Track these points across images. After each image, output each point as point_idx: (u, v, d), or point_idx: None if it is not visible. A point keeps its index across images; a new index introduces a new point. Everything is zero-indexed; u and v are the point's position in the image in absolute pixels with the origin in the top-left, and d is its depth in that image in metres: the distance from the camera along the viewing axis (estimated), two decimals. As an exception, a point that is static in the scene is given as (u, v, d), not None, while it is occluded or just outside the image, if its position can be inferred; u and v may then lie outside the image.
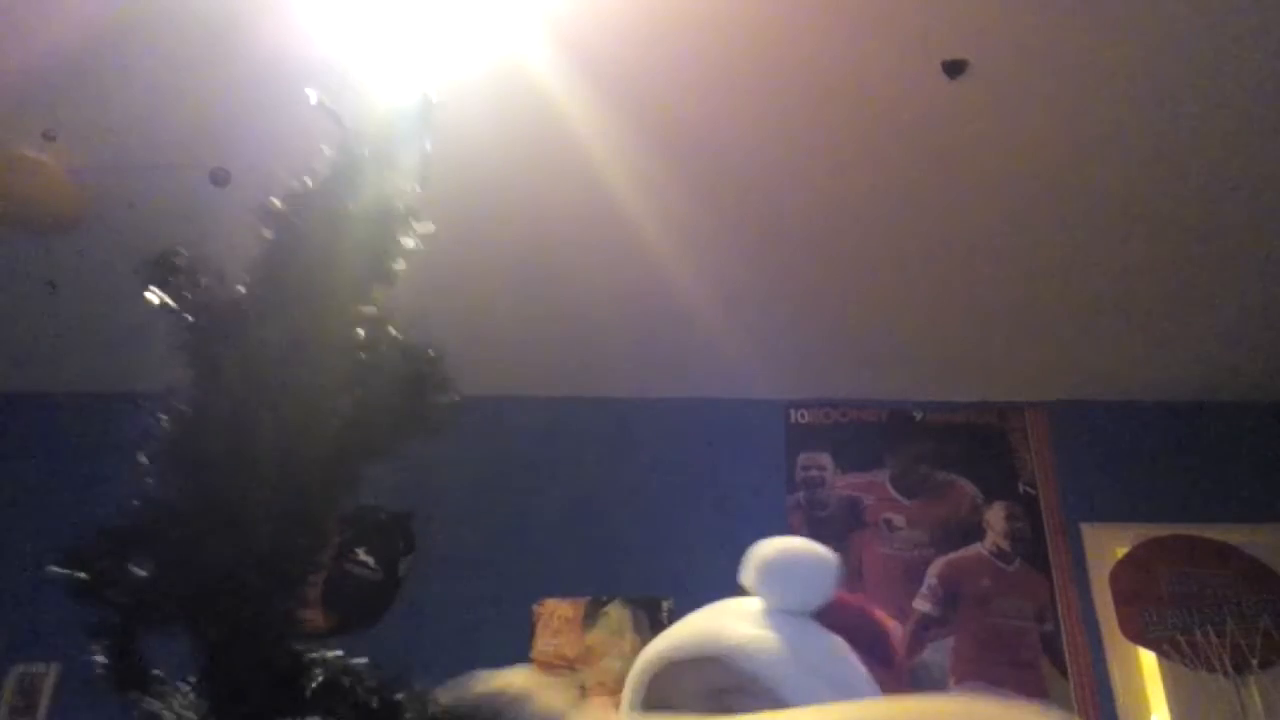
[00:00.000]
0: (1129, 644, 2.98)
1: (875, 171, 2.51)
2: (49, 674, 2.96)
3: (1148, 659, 2.99)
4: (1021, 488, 3.27)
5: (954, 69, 2.19)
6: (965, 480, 3.30)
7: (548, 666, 2.95)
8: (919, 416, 3.42)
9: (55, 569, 0.47)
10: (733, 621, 0.84)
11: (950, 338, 3.15)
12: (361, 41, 2.16)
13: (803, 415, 3.44)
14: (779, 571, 0.87)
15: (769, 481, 3.32)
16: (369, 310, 0.55)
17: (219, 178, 2.37)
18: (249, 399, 0.49)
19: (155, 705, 0.46)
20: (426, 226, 0.57)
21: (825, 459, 3.36)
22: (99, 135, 2.42)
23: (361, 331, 0.54)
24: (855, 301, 3.01)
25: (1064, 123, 2.34)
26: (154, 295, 0.52)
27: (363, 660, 0.49)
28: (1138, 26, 2.09)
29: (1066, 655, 2.98)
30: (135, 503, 0.48)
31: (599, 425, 3.40)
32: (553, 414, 3.42)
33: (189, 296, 0.52)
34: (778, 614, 0.86)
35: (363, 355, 0.54)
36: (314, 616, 3.12)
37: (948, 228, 2.69)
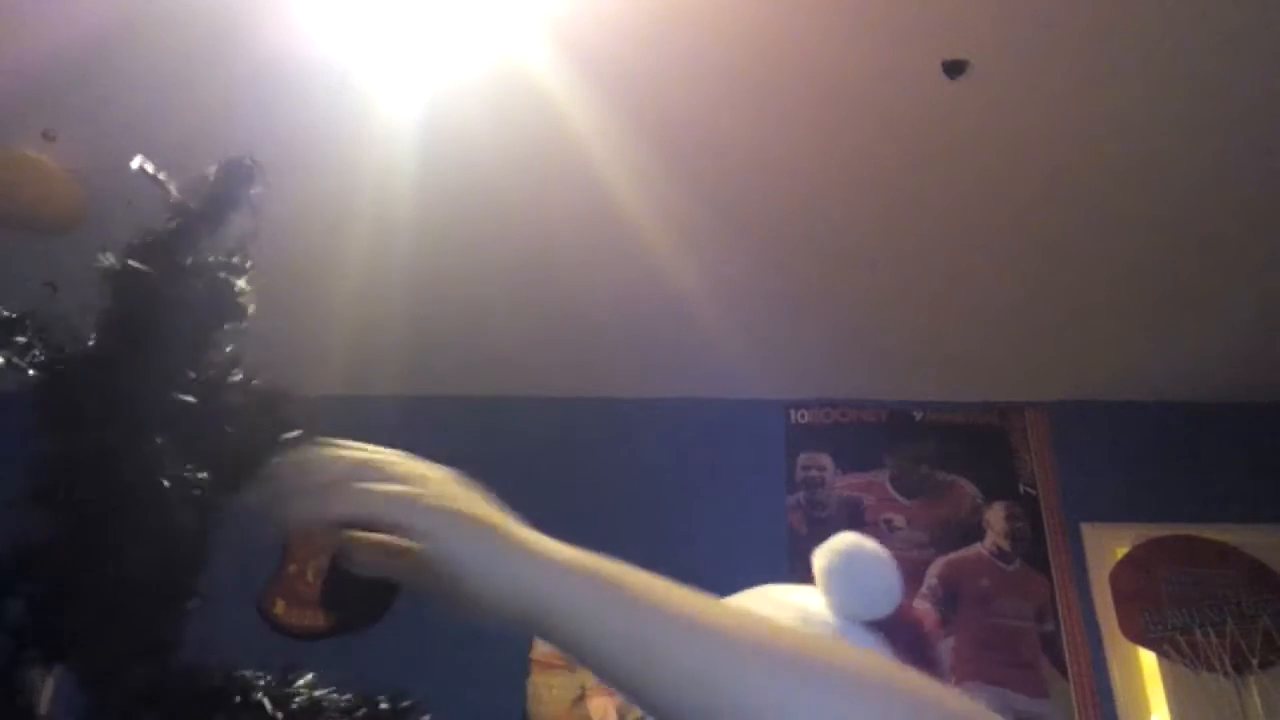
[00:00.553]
0: (1129, 644, 2.98)
1: (875, 171, 2.50)
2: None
3: (1148, 659, 2.99)
4: (1022, 488, 3.27)
5: (954, 69, 2.19)
6: (965, 480, 3.30)
7: (548, 666, 2.96)
8: (919, 416, 3.42)
9: None
10: (773, 610, 0.82)
11: (950, 338, 3.15)
12: (361, 42, 2.17)
13: (803, 415, 3.44)
14: (845, 575, 0.84)
15: (769, 481, 3.32)
16: (219, 355, 0.57)
17: (219, 178, 2.37)
18: (113, 440, 0.51)
19: None
20: (256, 280, 0.60)
21: (825, 459, 3.36)
22: (99, 135, 2.42)
23: (213, 374, 0.57)
24: (855, 301, 3.01)
25: (1064, 123, 2.34)
26: (5, 354, 0.54)
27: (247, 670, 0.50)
28: (1137, 27, 2.09)
29: (1066, 655, 2.98)
30: (4, 542, 0.50)
31: (599, 425, 3.40)
32: (553, 414, 3.42)
33: (39, 355, 0.54)
34: (830, 613, 0.83)
35: (218, 395, 0.56)
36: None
37: (948, 228, 2.69)
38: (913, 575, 3.13)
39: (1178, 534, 3.10)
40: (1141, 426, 3.32)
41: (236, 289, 0.59)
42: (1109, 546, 3.14)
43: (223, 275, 0.58)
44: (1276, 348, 3.09)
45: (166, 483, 0.51)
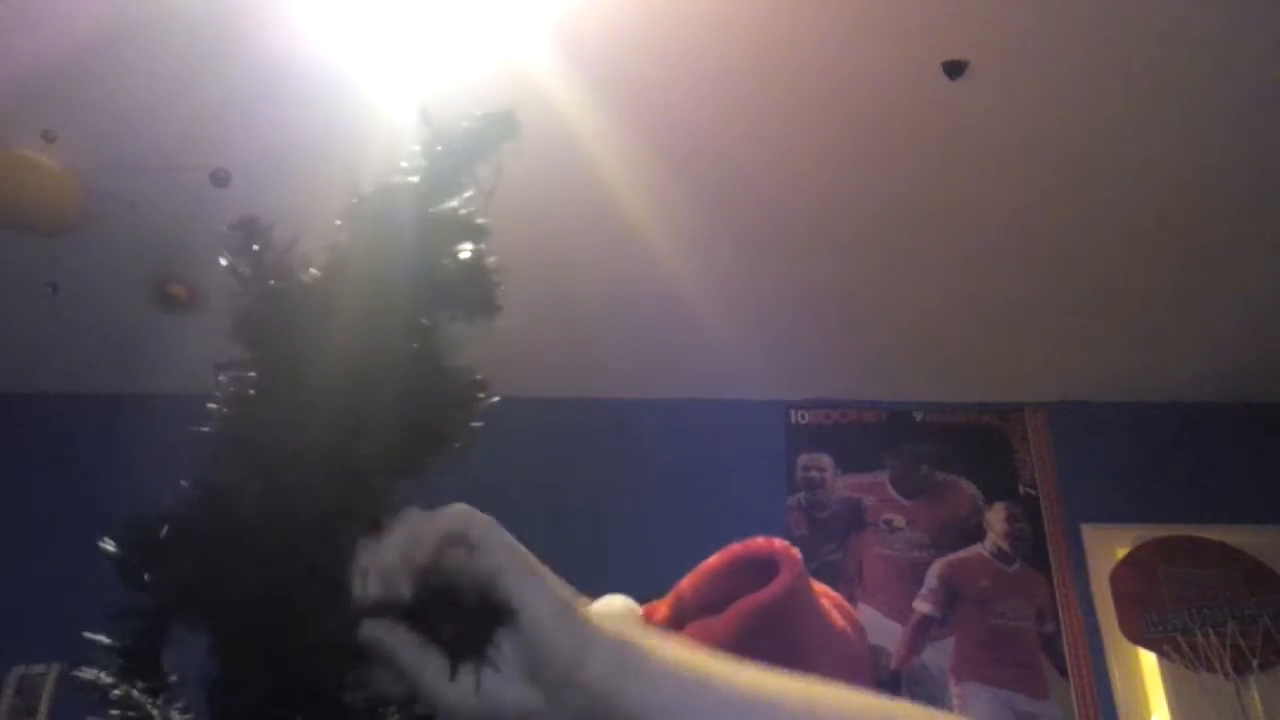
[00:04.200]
0: (1129, 644, 2.98)
1: (875, 172, 2.50)
2: (49, 674, 2.95)
3: (1148, 659, 2.99)
4: (1022, 488, 3.27)
5: (954, 69, 2.19)
6: (965, 481, 3.30)
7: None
8: (919, 417, 3.42)
9: (109, 546, 0.44)
10: None
11: (950, 338, 3.15)
12: (361, 43, 2.17)
13: (803, 416, 3.44)
14: None
15: (769, 482, 3.32)
16: (426, 324, 0.53)
17: (219, 178, 2.37)
18: (309, 390, 0.47)
19: (148, 706, 0.43)
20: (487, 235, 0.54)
21: (825, 460, 3.36)
22: (99, 135, 2.42)
23: (416, 345, 0.52)
24: (855, 302, 3.01)
25: (1064, 123, 2.34)
26: (229, 260, 0.49)
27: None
28: (1138, 27, 2.09)
29: (1066, 655, 2.98)
30: (189, 492, 0.45)
31: (599, 425, 3.40)
32: (553, 414, 3.42)
33: (266, 269, 0.49)
34: None
35: (415, 368, 0.52)
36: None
37: (947, 228, 2.69)
38: (913, 576, 3.13)
39: (1178, 534, 3.10)
40: (1141, 426, 3.32)
41: (458, 253, 0.52)
42: (1109, 547, 3.13)
43: (453, 236, 0.52)
44: (1277, 348, 3.09)
45: (346, 450, 0.47)
